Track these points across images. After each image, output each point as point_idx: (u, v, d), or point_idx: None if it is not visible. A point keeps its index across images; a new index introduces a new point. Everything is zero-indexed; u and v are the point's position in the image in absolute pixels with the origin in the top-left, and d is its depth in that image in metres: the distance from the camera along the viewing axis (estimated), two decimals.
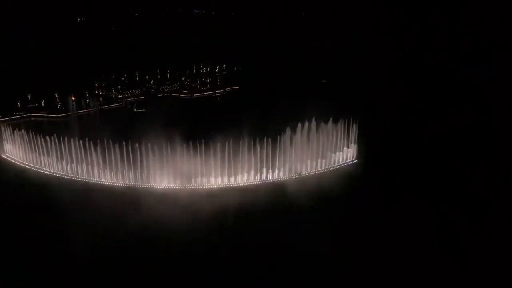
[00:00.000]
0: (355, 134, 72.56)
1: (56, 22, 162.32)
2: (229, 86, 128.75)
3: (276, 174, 66.02)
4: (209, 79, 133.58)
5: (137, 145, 63.19)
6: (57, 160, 67.53)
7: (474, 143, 77.95)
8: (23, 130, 71.54)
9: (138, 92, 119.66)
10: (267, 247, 49.18)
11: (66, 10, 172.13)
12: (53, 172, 68.30)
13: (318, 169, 68.68)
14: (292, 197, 59.99)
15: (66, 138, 66.40)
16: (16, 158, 73.19)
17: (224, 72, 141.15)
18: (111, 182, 64.85)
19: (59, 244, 49.42)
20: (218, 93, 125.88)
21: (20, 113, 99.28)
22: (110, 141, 64.13)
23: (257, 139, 64.28)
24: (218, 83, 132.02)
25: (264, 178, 65.44)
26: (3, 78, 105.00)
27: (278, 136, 65.56)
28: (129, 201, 58.90)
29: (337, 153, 70.56)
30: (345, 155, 71.78)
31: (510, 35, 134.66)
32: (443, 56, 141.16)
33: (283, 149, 65.93)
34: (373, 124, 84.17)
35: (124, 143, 63.66)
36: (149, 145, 63.12)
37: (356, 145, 72.91)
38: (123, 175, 64.36)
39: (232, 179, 64.34)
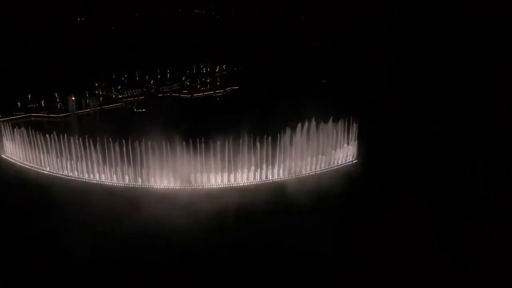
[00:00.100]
0: (355, 133, 72.59)
1: (56, 22, 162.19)
2: (229, 86, 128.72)
3: (276, 173, 66.00)
4: (209, 79, 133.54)
5: (137, 144, 63.25)
6: (57, 159, 67.62)
7: (474, 143, 77.94)
8: (22, 128, 71.60)
9: (138, 92, 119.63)
10: (267, 247, 49.19)
11: (66, 10, 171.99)
12: (53, 172, 68.38)
13: (318, 169, 68.70)
14: (292, 197, 59.99)
15: (66, 138, 66.46)
16: (16, 158, 73.25)
17: (224, 72, 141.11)
18: (110, 182, 64.89)
19: (59, 244, 49.43)
20: (218, 93, 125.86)
21: (20, 113, 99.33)
22: (110, 140, 64.18)
23: (257, 138, 64.31)
24: (218, 83, 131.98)
25: (264, 178, 65.44)
26: (3, 78, 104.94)
27: (278, 134, 65.59)
28: (129, 201, 58.92)
29: (337, 150, 70.54)
30: (345, 152, 71.67)
31: (510, 35, 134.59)
32: (443, 56, 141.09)
33: (283, 147, 65.96)
34: (373, 124, 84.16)
35: (124, 143, 63.73)
36: (149, 145, 63.16)
37: (355, 143, 72.86)
38: (123, 175, 64.41)
39: (232, 178, 64.34)
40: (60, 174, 67.79)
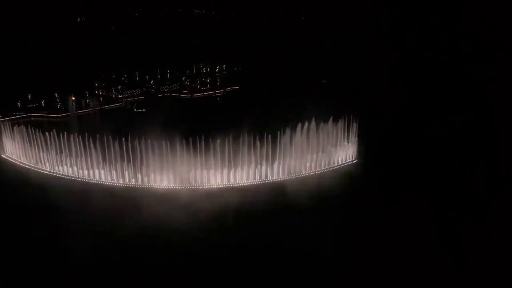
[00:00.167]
0: (355, 133, 72.62)
1: (56, 22, 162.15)
2: (229, 86, 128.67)
3: (276, 173, 66.01)
4: (209, 79, 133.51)
5: (137, 144, 63.28)
6: (57, 159, 67.67)
7: (474, 143, 77.94)
8: (22, 126, 71.64)
9: (138, 92, 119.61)
10: (267, 247, 49.19)
11: (66, 10, 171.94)
12: (53, 172, 68.39)
13: (318, 169, 68.71)
14: (292, 197, 59.98)
15: (65, 138, 66.51)
16: (16, 158, 73.26)
17: (224, 72, 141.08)
18: (110, 182, 64.90)
19: (59, 244, 49.43)
20: (218, 93, 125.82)
21: (20, 113, 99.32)
22: (110, 139, 64.21)
23: (257, 137, 64.37)
24: (218, 83, 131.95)
25: (264, 178, 65.46)
26: (3, 78, 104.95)
27: (278, 133, 65.59)
28: (129, 201, 58.92)
29: (337, 148, 70.60)
30: (345, 151, 71.68)
31: (510, 35, 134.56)
32: (443, 56, 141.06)
33: (283, 147, 66.02)
34: (373, 124, 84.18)
35: (123, 142, 63.75)
36: (149, 144, 63.18)
37: (356, 140, 72.87)
38: (123, 175, 64.43)
39: (232, 178, 64.34)
40: (60, 174, 67.86)
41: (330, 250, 47.98)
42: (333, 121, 69.54)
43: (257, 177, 65.20)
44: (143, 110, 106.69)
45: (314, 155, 68.13)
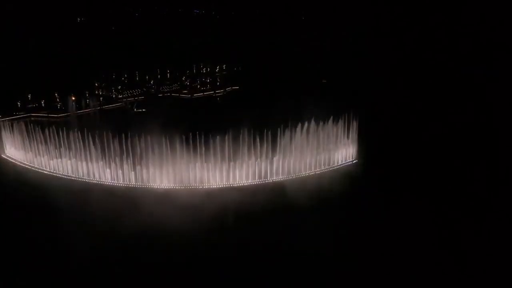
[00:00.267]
0: (355, 132, 72.61)
1: (56, 22, 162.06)
2: (229, 86, 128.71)
3: (275, 173, 66.00)
4: (209, 79, 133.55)
5: (137, 144, 63.30)
6: (57, 159, 67.67)
7: (474, 143, 77.92)
8: (22, 124, 71.63)
9: (138, 92, 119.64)
10: (267, 247, 49.18)
11: (66, 10, 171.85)
12: (53, 172, 68.39)
13: (318, 169, 68.69)
14: (292, 197, 59.97)
15: (65, 137, 66.55)
16: (16, 158, 73.26)
17: (224, 72, 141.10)
18: (110, 182, 64.90)
19: (59, 244, 49.42)
20: (218, 93, 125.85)
21: (20, 113, 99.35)
22: (110, 138, 64.23)
23: (257, 136, 64.38)
24: (218, 83, 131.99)
25: (264, 178, 65.43)
26: (3, 78, 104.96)
27: (278, 129, 65.61)
28: (129, 201, 58.91)
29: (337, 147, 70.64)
30: (345, 150, 71.67)
31: (510, 35, 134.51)
32: (443, 56, 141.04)
33: (283, 146, 66.04)
34: (373, 124, 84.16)
35: (123, 143, 63.77)
36: (149, 144, 63.17)
37: (355, 140, 72.87)
38: (123, 175, 64.42)
39: (231, 178, 64.30)
40: (60, 174, 67.86)
41: (330, 250, 47.94)
42: (333, 121, 69.53)
43: (256, 176, 65.08)
44: (143, 110, 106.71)
45: (314, 156, 68.09)
